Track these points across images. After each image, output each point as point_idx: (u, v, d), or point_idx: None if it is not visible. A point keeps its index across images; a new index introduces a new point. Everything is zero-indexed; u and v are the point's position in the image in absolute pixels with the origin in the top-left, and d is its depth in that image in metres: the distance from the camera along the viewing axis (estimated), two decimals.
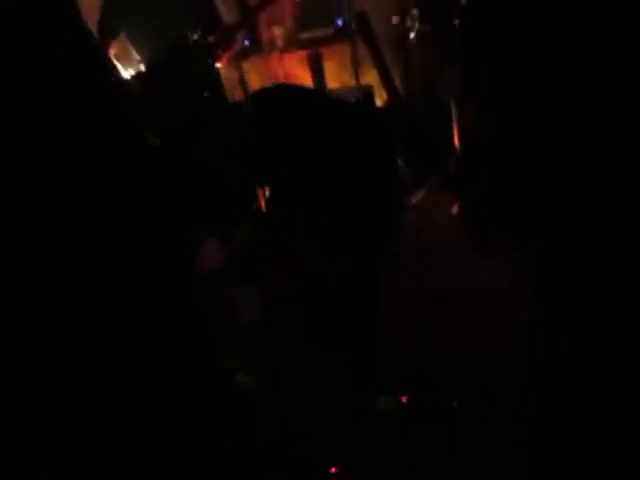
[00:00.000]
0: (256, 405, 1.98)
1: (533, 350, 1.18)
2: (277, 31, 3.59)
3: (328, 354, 2.23)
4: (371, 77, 3.55)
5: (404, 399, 2.06)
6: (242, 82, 3.57)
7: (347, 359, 2.21)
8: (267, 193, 2.70)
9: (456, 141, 3.16)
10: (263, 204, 2.78)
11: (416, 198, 3.28)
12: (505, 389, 1.89)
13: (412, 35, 3.56)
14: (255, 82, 3.90)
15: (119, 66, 2.57)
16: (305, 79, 3.82)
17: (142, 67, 2.61)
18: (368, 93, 3.27)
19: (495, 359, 2.05)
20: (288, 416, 2.03)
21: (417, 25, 3.51)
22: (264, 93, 2.30)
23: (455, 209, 3.03)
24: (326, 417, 2.02)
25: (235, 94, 3.13)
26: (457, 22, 2.97)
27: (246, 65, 3.59)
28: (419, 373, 2.15)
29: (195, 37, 2.47)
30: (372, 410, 2.03)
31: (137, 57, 2.66)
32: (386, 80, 3.44)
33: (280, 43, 3.65)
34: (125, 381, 1.14)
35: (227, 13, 2.99)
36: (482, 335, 2.21)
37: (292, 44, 3.64)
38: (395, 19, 3.57)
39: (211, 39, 2.48)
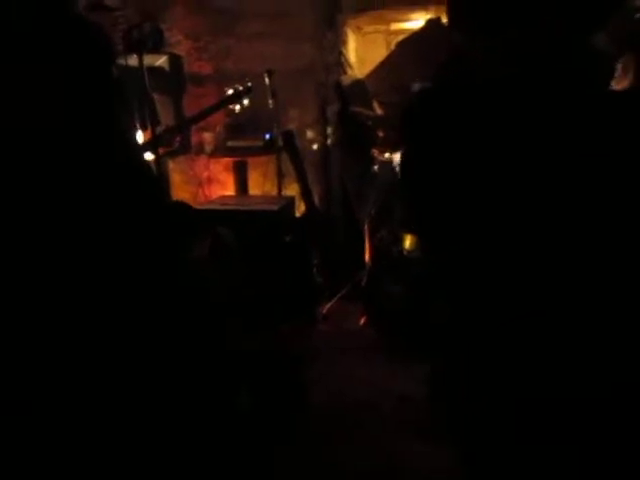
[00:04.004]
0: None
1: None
2: (207, 136, 3.76)
3: None
4: (292, 189, 3.77)
5: None
6: (166, 180, 3.65)
7: None
8: None
9: (367, 255, 3.36)
10: None
11: (327, 308, 3.38)
12: None
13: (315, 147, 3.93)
14: (178, 181, 4.00)
15: None
16: (229, 184, 3.96)
17: None
18: (289, 203, 3.44)
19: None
20: None
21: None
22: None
23: (363, 319, 3.16)
24: None
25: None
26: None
27: (172, 164, 3.69)
28: None
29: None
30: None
31: None
32: (305, 193, 3.66)
33: (208, 148, 3.81)
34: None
35: (164, 116, 3.13)
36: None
37: (220, 150, 3.81)
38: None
39: (152, 135, 2.61)
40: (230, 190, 3.92)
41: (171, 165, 3.70)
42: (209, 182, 4.04)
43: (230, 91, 3.09)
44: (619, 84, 1.27)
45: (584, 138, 0.90)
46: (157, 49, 3.35)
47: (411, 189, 1.17)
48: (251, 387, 2.40)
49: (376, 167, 3.35)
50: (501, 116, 0.94)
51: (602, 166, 0.89)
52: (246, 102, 3.10)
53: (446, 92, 1.03)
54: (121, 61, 2.96)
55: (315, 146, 3.96)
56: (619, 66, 1.28)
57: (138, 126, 2.72)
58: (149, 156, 2.65)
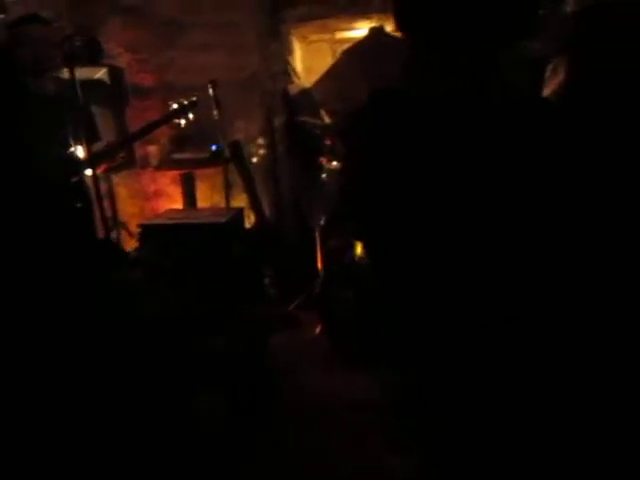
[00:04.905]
0: None
1: None
2: (152, 149, 3.69)
3: None
4: (241, 200, 3.72)
5: None
6: (110, 194, 3.55)
7: None
8: None
9: (319, 263, 3.35)
10: None
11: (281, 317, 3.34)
12: None
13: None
14: (123, 195, 3.89)
15: None
16: (176, 197, 3.89)
17: None
18: (237, 215, 3.40)
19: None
20: None
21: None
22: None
23: (318, 327, 3.13)
24: None
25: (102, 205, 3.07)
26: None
27: (116, 178, 3.59)
28: None
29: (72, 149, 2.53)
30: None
31: None
32: (255, 204, 3.63)
33: (154, 161, 3.73)
34: None
35: (106, 130, 3.05)
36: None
37: (166, 163, 3.74)
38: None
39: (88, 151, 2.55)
40: (178, 203, 3.84)
41: (116, 179, 3.59)
42: (156, 196, 3.96)
43: (175, 105, 3.02)
44: (550, 84, 1.28)
45: (515, 148, 0.91)
46: (95, 61, 3.26)
47: (353, 198, 1.16)
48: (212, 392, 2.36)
49: (324, 175, 3.34)
50: (441, 129, 0.96)
51: (536, 173, 0.91)
52: (191, 116, 3.04)
53: (390, 104, 1.04)
54: (57, 75, 2.88)
55: (263, 156, 3.93)
56: (550, 67, 1.30)
57: (73, 142, 2.63)
58: (88, 172, 2.57)
